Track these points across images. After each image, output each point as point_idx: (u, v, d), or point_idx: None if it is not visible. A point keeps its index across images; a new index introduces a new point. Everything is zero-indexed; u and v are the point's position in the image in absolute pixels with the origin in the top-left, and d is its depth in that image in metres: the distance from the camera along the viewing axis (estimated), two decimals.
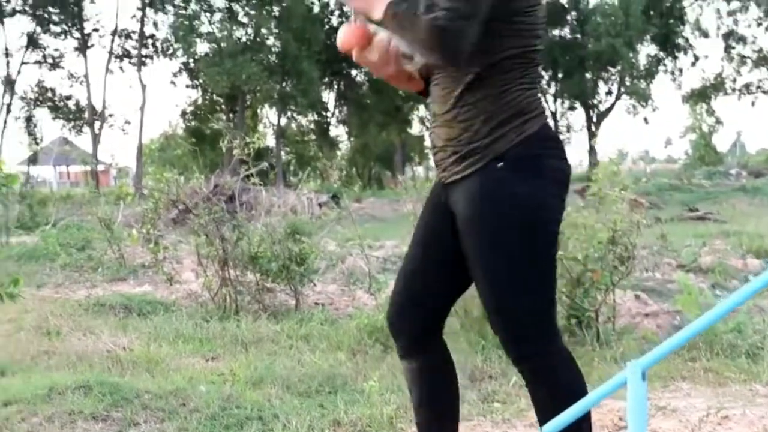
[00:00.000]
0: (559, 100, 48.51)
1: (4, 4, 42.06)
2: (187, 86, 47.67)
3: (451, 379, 2.70)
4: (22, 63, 43.26)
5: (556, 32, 45.20)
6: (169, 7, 42.39)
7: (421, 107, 49.04)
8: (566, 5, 45.44)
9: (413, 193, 7.72)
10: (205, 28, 42.04)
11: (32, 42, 43.23)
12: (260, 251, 7.03)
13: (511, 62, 2.32)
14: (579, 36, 45.90)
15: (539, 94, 2.46)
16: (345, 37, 2.42)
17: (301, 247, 7.07)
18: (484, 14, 2.21)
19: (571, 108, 48.86)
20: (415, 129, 51.38)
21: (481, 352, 5.03)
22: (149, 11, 43.35)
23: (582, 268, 5.44)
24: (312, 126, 51.38)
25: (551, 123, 2.61)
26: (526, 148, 2.33)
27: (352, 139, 54.70)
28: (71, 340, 5.74)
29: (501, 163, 2.32)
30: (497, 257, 2.36)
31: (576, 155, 59.18)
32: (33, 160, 40.01)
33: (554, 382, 2.40)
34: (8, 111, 42.42)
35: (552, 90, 47.81)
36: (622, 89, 46.70)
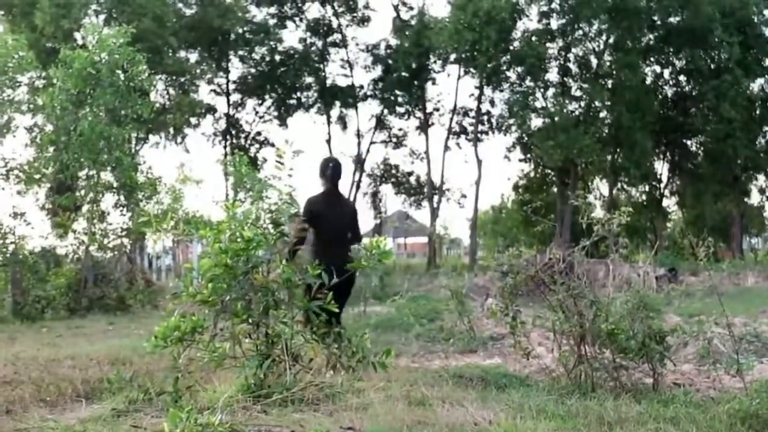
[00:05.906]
0: None
1: (358, 89, 46.56)
2: (520, 160, 48.44)
3: None
4: (371, 143, 47.51)
5: None
6: (505, 85, 43.55)
7: (761, 177, 46.30)
8: None
9: (755, 266, 7.33)
10: (539, 103, 42.71)
11: (380, 123, 47.39)
12: (618, 328, 6.91)
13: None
14: None
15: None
16: None
17: (659, 324, 6.90)
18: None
19: None
20: (754, 199, 48.56)
21: None
22: (486, 89, 44.90)
23: None
24: (643, 197, 50.13)
25: None
26: None
27: (684, 209, 52.74)
28: (439, 410, 5.87)
29: None
30: None
31: None
32: (377, 231, 42.64)
33: None
34: (358, 187, 46.58)
35: None
36: None
